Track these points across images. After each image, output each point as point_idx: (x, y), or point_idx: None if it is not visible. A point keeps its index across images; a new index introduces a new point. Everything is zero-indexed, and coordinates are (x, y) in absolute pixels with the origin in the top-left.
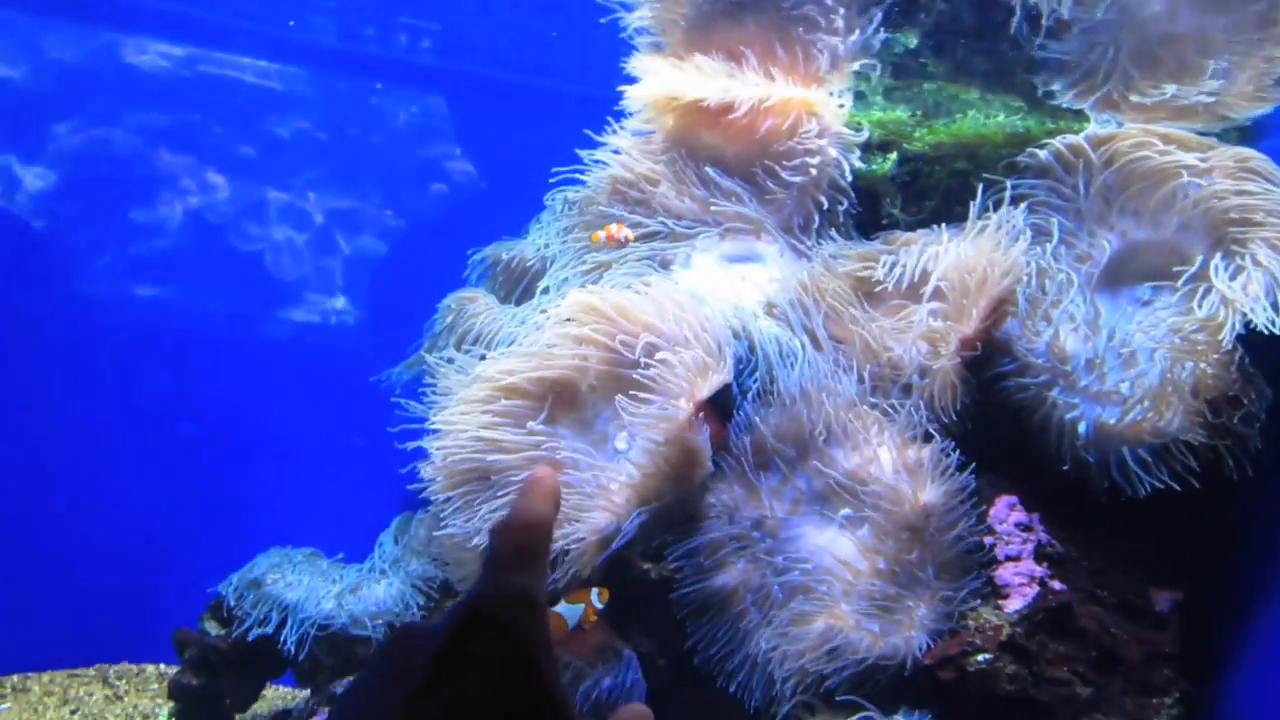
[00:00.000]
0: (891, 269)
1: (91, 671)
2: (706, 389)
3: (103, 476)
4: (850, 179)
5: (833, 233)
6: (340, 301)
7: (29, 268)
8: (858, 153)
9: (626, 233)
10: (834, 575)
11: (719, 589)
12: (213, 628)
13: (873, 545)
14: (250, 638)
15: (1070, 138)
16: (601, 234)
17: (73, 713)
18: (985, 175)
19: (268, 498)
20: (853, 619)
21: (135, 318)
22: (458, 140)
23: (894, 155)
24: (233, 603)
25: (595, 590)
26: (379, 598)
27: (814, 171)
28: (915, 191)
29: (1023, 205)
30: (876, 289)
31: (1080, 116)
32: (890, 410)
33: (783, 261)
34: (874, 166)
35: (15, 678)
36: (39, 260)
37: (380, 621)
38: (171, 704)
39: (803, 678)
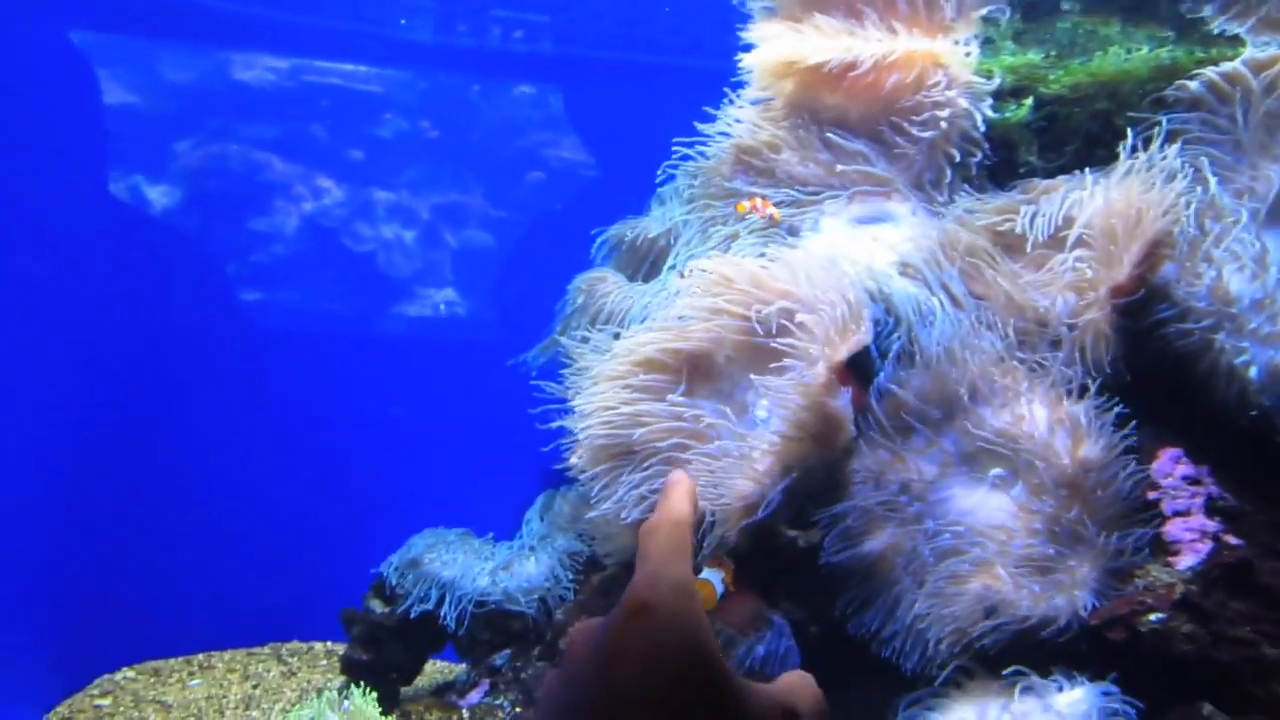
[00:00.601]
0: (1032, 219)
1: (266, 650)
2: (844, 352)
3: (266, 472)
4: (983, 129)
5: (966, 187)
6: (450, 294)
7: (165, 280)
8: (989, 101)
9: (772, 211)
10: (988, 536)
11: (868, 554)
12: (377, 605)
13: (1028, 504)
14: (412, 614)
15: (1226, 65)
16: (747, 204)
17: (254, 687)
18: (1130, 114)
19: (417, 483)
20: (1010, 580)
21: (266, 321)
22: (563, 126)
23: (1029, 101)
24: (394, 582)
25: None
26: (530, 574)
27: (944, 125)
28: (1053, 137)
29: (1175, 142)
30: (1017, 241)
31: (1235, 42)
32: (1040, 365)
33: (915, 220)
34: (1007, 114)
35: (200, 656)
36: (173, 272)
37: (534, 597)
38: (343, 677)
39: (959, 639)
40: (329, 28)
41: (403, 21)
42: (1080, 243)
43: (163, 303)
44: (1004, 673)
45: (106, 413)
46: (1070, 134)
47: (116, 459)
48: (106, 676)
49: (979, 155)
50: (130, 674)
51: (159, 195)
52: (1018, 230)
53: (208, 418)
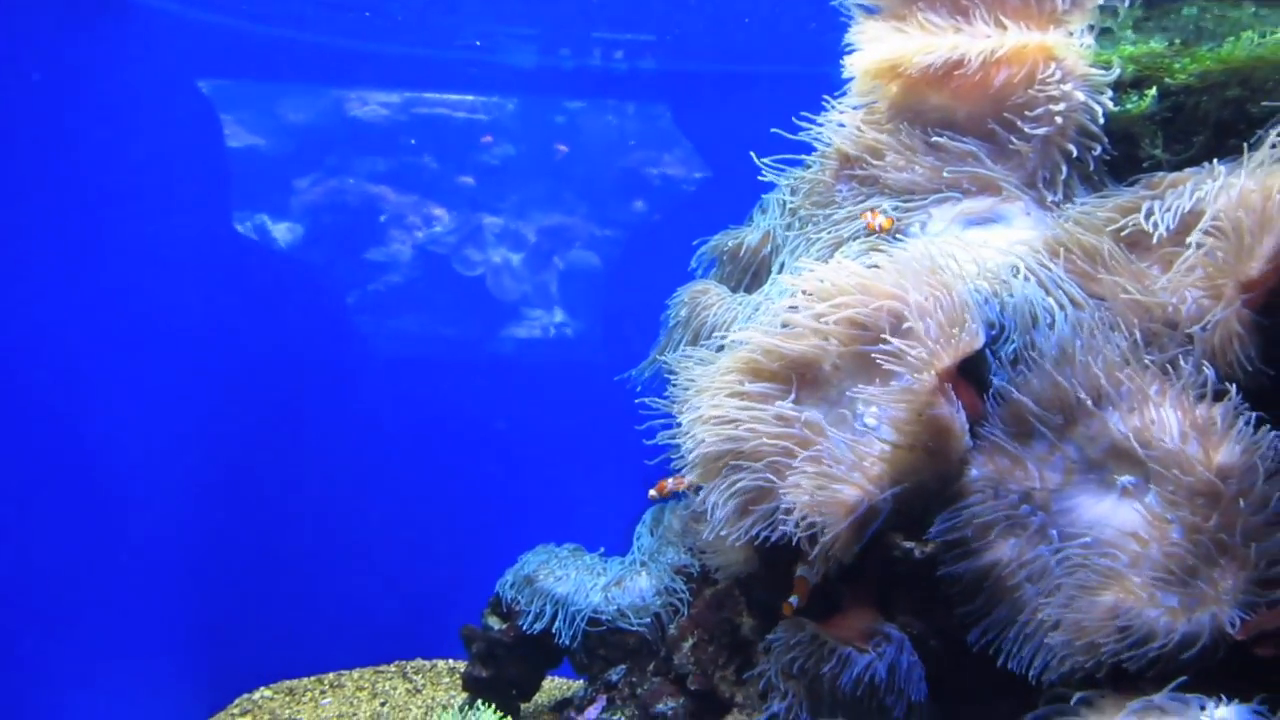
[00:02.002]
0: (1157, 214)
1: (392, 668)
2: (952, 358)
3: (387, 495)
4: (1102, 123)
5: (1084, 184)
6: (558, 314)
7: (291, 314)
8: (1108, 94)
9: (882, 220)
10: (1119, 547)
11: (989, 566)
12: (494, 622)
13: (1162, 513)
14: (528, 630)
15: None
16: (869, 217)
17: (382, 704)
18: (1265, 102)
19: (529, 500)
20: (1145, 593)
21: (383, 347)
22: (664, 142)
23: (1152, 91)
24: (510, 598)
25: None
26: (642, 589)
27: (1059, 120)
28: (1179, 128)
29: None
30: (1141, 239)
31: None
32: (1170, 367)
33: (1029, 220)
34: (1128, 106)
35: (331, 675)
36: (298, 306)
37: (647, 613)
38: (465, 694)
39: (1090, 655)
40: (436, 59)
41: (478, 43)
42: (1209, 237)
43: (289, 335)
44: (1140, 692)
45: (239, 444)
46: (1198, 124)
47: (249, 489)
48: (245, 696)
49: (1098, 150)
50: (267, 693)
51: (283, 232)
52: (1141, 227)
53: (331, 444)
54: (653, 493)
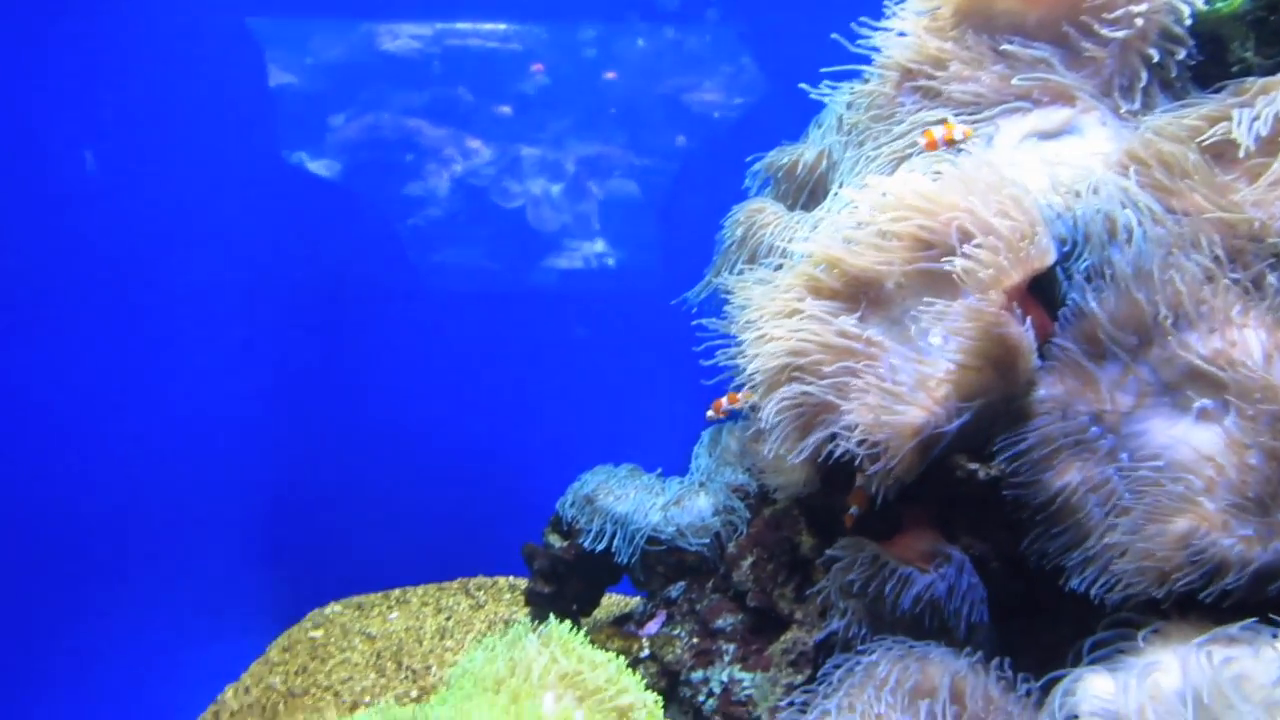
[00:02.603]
0: (1245, 122)
1: (455, 585)
2: (1021, 275)
3: (447, 421)
4: (1188, 24)
5: (1165, 92)
6: (601, 245)
7: (339, 247)
8: None
9: (964, 129)
10: (1193, 471)
11: (1056, 489)
12: (555, 540)
13: (1241, 438)
14: (588, 548)
15: None
16: (937, 132)
17: (447, 619)
18: None
19: (582, 425)
20: (1220, 519)
21: (429, 281)
22: (703, 66)
23: None
24: (570, 517)
25: None
26: (700, 508)
27: (1140, 22)
28: (1273, 29)
29: None
30: (1227, 149)
31: None
32: (1255, 286)
33: (1105, 130)
34: (1217, 5)
35: (397, 591)
36: (344, 240)
37: (706, 532)
38: (526, 609)
39: (1158, 583)
40: None
41: None
42: None
43: (341, 270)
44: (1210, 621)
45: (302, 374)
46: None
47: (314, 418)
48: (317, 610)
49: (1182, 54)
50: (338, 608)
51: (321, 169)
52: (1228, 137)
53: (388, 374)
54: (710, 413)
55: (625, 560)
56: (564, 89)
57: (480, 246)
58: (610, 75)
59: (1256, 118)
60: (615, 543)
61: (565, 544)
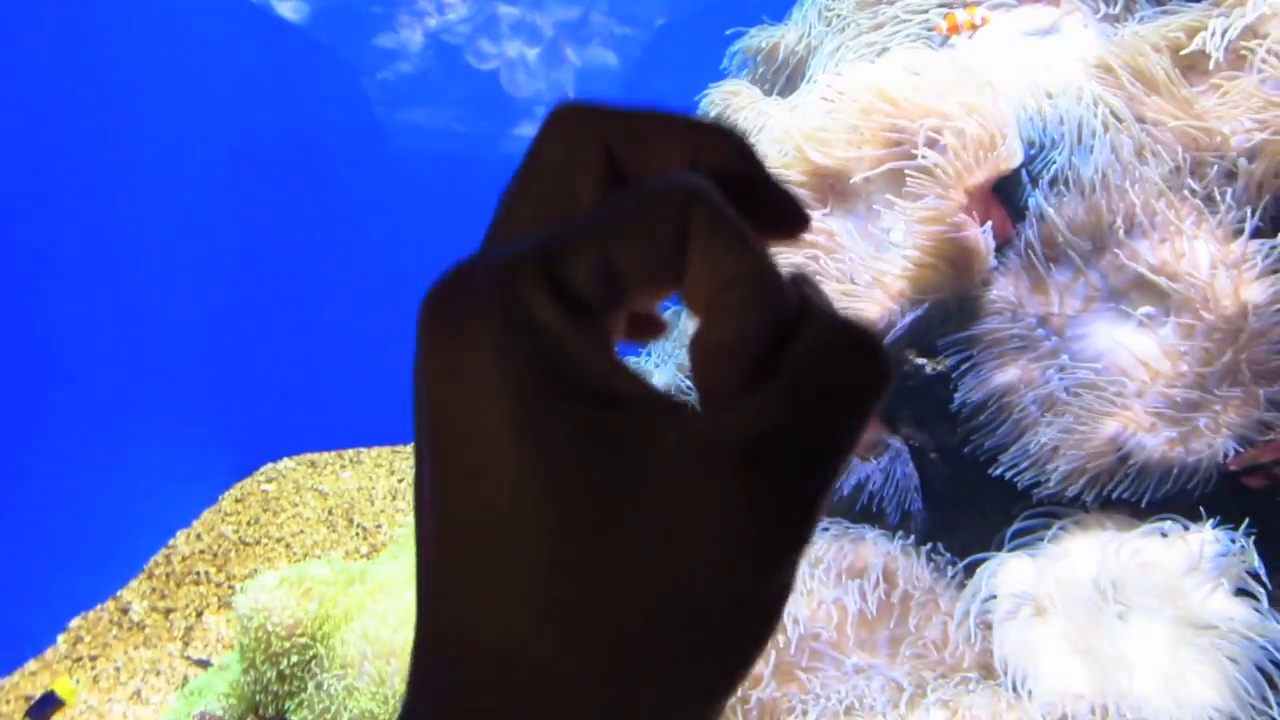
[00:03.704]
0: (1220, 34)
1: (409, 448)
2: (985, 177)
3: (402, 286)
4: None
5: None
6: None
7: (304, 93)
8: None
9: (984, 14)
10: (1128, 375)
11: (997, 386)
12: None
13: (1176, 346)
14: None
15: None
16: (959, 17)
17: (399, 481)
18: None
19: None
20: (1148, 421)
21: (395, 140)
22: None
23: None
24: None
25: None
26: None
27: None
28: None
29: None
30: (1199, 61)
31: None
32: (1210, 200)
33: (1085, 33)
34: None
35: (351, 451)
36: (310, 86)
37: None
38: None
39: (1085, 479)
40: None
41: None
42: (1266, 62)
43: (303, 117)
44: (1130, 515)
45: (260, 224)
46: None
47: (270, 270)
48: (270, 465)
49: None
50: (290, 463)
51: (288, 10)
52: (1200, 48)
53: (349, 229)
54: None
55: None
56: None
57: (451, 107)
58: None
59: (1227, 29)
60: None
61: None
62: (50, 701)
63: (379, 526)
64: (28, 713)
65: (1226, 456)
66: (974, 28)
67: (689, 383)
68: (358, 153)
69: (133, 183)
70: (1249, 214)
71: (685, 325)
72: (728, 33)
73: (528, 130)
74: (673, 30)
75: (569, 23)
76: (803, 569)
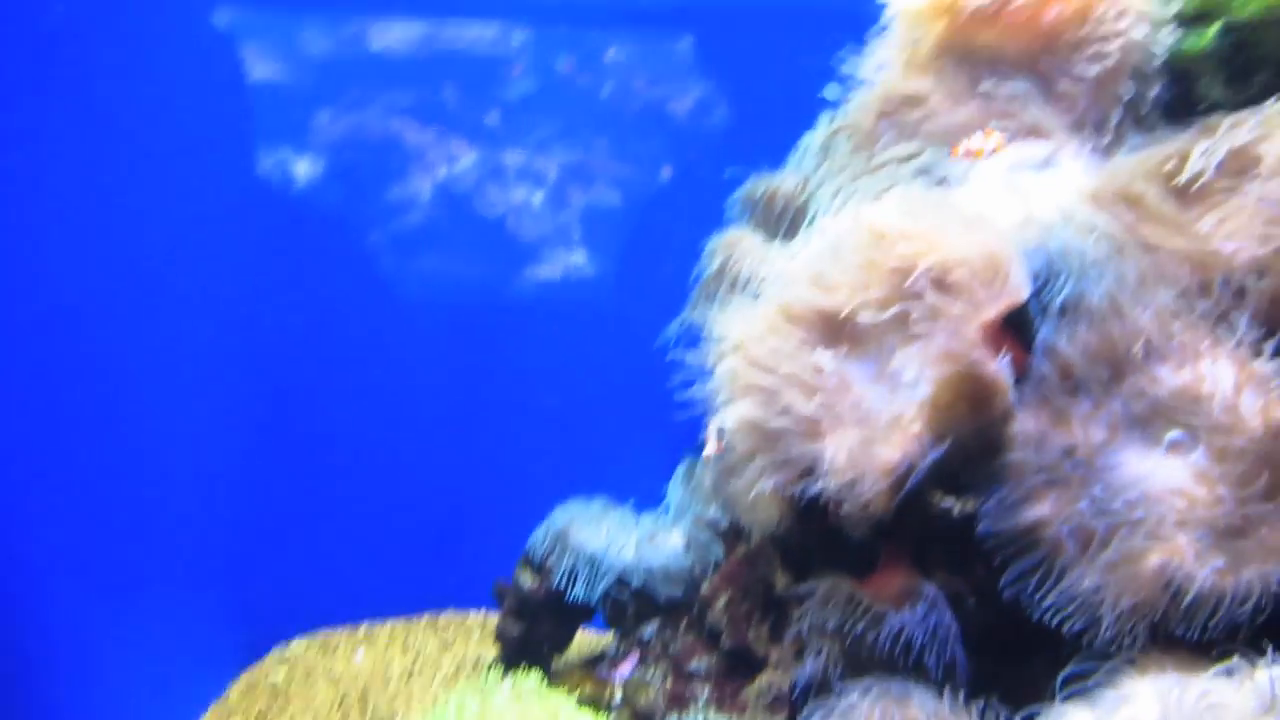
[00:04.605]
0: (1213, 156)
1: (423, 621)
2: (996, 310)
3: (416, 444)
4: (1159, 62)
5: (1137, 127)
6: (581, 255)
7: (314, 255)
8: (1168, 29)
9: (998, 140)
10: (1165, 504)
11: (1030, 524)
12: (526, 578)
13: (1210, 471)
14: (560, 587)
15: None
16: (974, 142)
17: (413, 660)
18: None
19: (559, 449)
20: (1192, 552)
21: (406, 290)
22: (692, 78)
23: (1215, 26)
24: (541, 554)
25: None
26: (673, 546)
27: (1112, 59)
28: (1239, 67)
29: None
30: (1195, 184)
31: None
32: (1224, 320)
33: (1078, 165)
34: (1186, 44)
35: (364, 625)
36: (320, 246)
37: (679, 570)
38: (497, 648)
39: (1137, 617)
40: None
41: None
42: (1267, 183)
43: (313, 277)
44: (1192, 654)
45: (267, 392)
46: (1260, 62)
47: (277, 439)
48: (280, 646)
49: (1154, 91)
50: (302, 645)
51: (303, 168)
52: (1194, 171)
53: (359, 391)
54: (708, 450)
55: (598, 598)
56: (549, 95)
57: (460, 254)
58: (566, 63)
59: (1215, 151)
60: (588, 580)
61: (536, 582)
62: None
63: (394, 715)
64: None
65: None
66: (985, 154)
67: (713, 540)
68: (367, 309)
69: (139, 351)
70: (1266, 333)
71: (702, 477)
72: (725, 174)
73: (537, 273)
74: (677, 170)
75: (573, 165)
76: None
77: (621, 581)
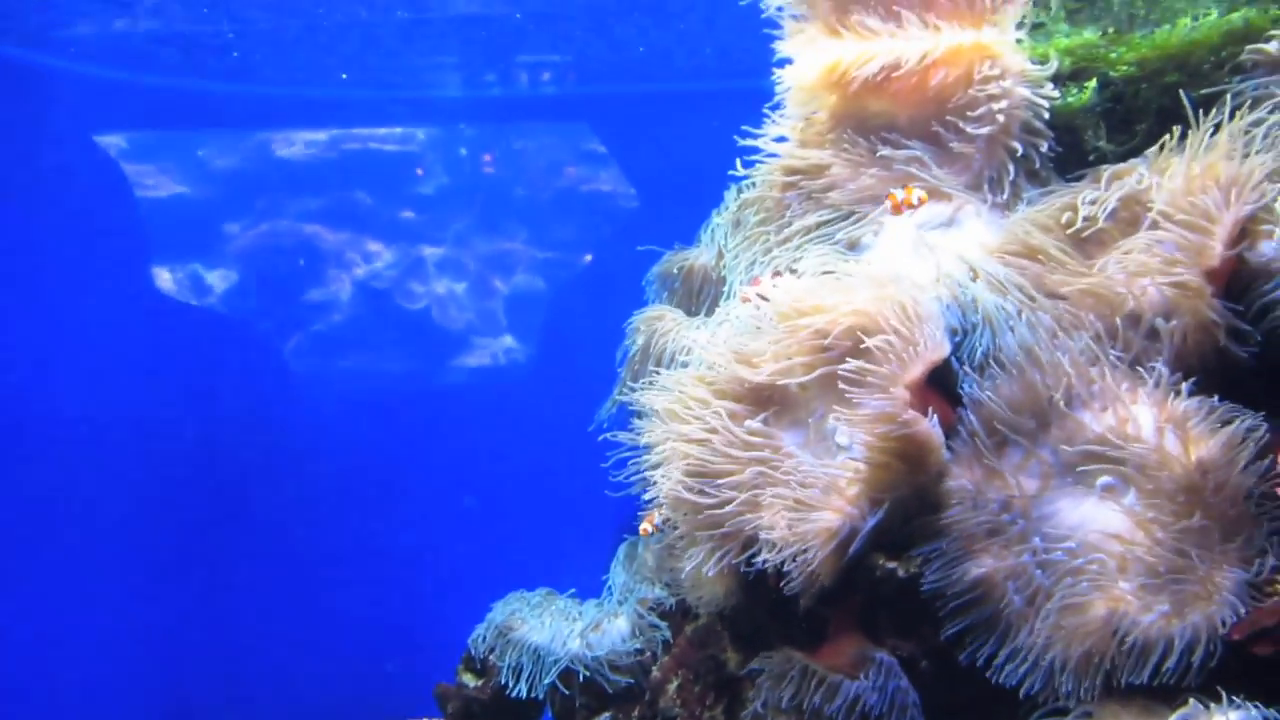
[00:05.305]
0: (1103, 205)
1: None
2: (919, 371)
3: (345, 546)
4: (1045, 118)
5: (1031, 181)
6: (508, 340)
7: (230, 361)
8: (1049, 87)
9: (920, 194)
10: (1104, 550)
11: (974, 580)
12: (469, 679)
13: (1143, 513)
14: (505, 684)
15: None
16: (899, 195)
17: None
18: (1204, 88)
19: (494, 538)
20: (1136, 600)
21: (332, 390)
22: (600, 162)
23: (1092, 83)
24: (483, 652)
25: None
26: (620, 631)
27: (1001, 118)
28: (1120, 119)
29: (1258, 109)
30: (1093, 234)
31: None
32: (1139, 363)
33: (980, 222)
34: (1069, 99)
35: None
36: (238, 352)
37: (628, 658)
38: None
39: (1087, 668)
40: (359, 98)
41: (344, 76)
42: (1161, 225)
43: (232, 390)
44: (1144, 702)
45: (188, 509)
46: (1140, 113)
47: (200, 555)
48: None
49: (1044, 146)
50: None
51: (216, 280)
52: (1090, 222)
53: (284, 501)
54: (644, 526)
55: (545, 694)
56: (462, 189)
57: (384, 350)
58: (487, 159)
59: (1106, 201)
60: (534, 676)
61: (480, 682)
62: None
63: None
64: None
65: (1224, 624)
66: (913, 206)
67: (660, 621)
68: (291, 413)
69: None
70: (1179, 372)
71: (644, 557)
72: (639, 249)
73: (465, 361)
74: (591, 250)
75: (492, 255)
76: None
77: (569, 672)
